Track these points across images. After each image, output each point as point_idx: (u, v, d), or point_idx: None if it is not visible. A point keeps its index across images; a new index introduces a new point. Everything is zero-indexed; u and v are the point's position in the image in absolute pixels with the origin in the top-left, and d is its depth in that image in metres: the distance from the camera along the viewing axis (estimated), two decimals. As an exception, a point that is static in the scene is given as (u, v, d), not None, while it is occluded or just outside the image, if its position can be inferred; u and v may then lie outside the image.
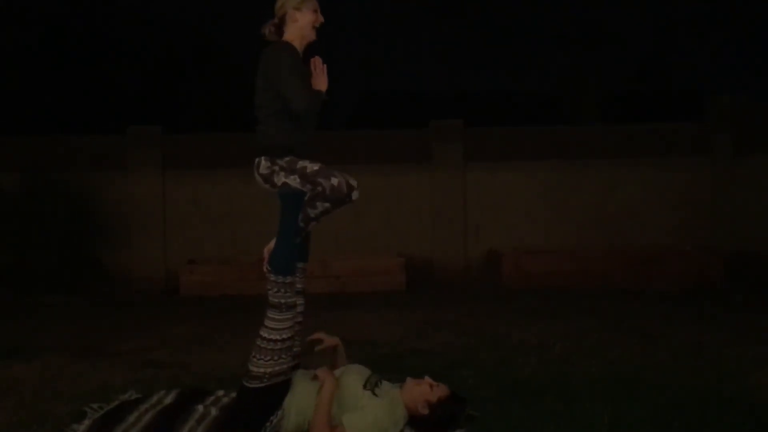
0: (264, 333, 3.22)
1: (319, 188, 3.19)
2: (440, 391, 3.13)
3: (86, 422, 3.48)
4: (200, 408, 3.52)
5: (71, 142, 9.26)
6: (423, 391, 3.13)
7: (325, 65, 3.39)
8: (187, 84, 17.30)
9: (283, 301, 3.23)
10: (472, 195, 9.29)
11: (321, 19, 3.41)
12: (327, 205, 3.24)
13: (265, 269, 3.30)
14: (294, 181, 3.24)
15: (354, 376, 3.26)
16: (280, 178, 3.26)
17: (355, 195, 3.24)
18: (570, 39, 19.13)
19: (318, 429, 3.05)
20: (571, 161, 9.31)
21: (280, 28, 3.39)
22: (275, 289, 3.24)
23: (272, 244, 3.42)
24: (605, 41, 18.45)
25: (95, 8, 16.84)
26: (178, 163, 9.20)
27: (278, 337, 3.21)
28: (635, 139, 9.43)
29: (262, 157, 3.29)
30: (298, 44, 3.35)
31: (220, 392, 3.75)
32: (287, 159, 3.25)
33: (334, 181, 3.19)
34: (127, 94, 16.36)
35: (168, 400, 3.69)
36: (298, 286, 3.39)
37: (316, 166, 3.23)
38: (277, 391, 3.20)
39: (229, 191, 9.09)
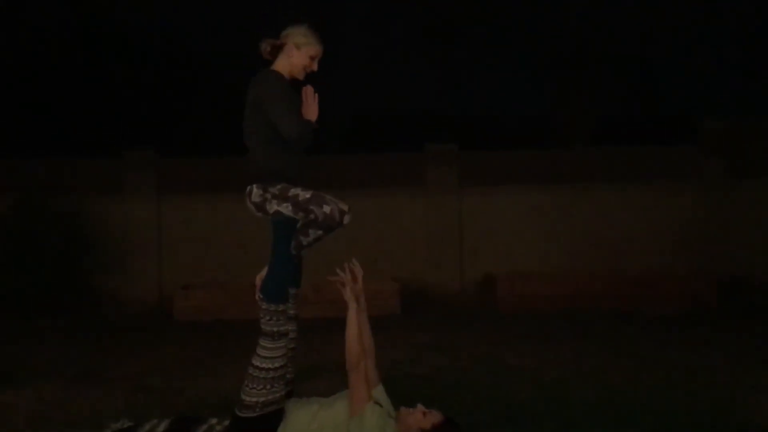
0: (256, 362, 3.20)
1: (312, 216, 3.19)
2: (433, 417, 3.12)
3: (78, 451, 3.45)
4: (193, 436, 3.48)
5: (66, 166, 9.26)
6: (416, 419, 3.11)
7: (316, 94, 3.40)
8: (183, 107, 17.36)
9: (275, 329, 3.22)
10: (467, 219, 9.31)
11: (314, 67, 3.41)
12: (319, 232, 3.24)
13: (257, 297, 3.29)
14: (286, 209, 3.24)
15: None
16: (272, 206, 3.26)
17: (347, 219, 3.24)
18: (563, 63, 19.31)
19: (352, 354, 3.16)
20: (565, 185, 9.35)
21: (276, 51, 3.41)
22: (267, 317, 3.23)
23: (264, 272, 3.41)
24: (598, 65, 18.63)
25: (90, 31, 16.95)
26: (173, 186, 9.21)
27: (271, 366, 3.18)
28: (629, 162, 9.50)
29: (254, 185, 3.29)
30: (285, 75, 3.37)
31: (213, 420, 3.71)
32: (279, 186, 3.25)
33: (326, 208, 3.19)
34: (122, 118, 16.41)
35: (160, 428, 3.64)
36: (291, 312, 3.38)
37: (308, 194, 3.22)
38: (269, 421, 3.18)
39: (225, 215, 9.09)
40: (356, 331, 3.22)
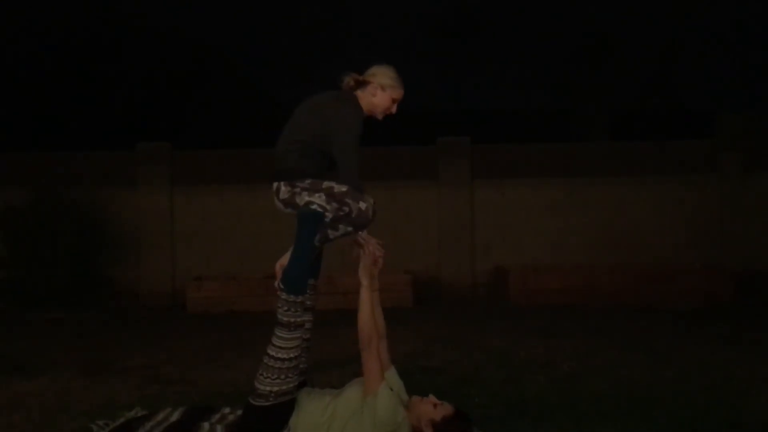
0: (271, 351, 3.21)
1: (346, 209, 3.18)
2: (444, 409, 3.11)
3: (92, 439, 3.48)
4: (206, 425, 3.51)
5: (80, 158, 9.33)
6: (426, 410, 3.11)
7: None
8: (196, 100, 17.43)
9: (292, 320, 3.23)
10: (479, 212, 9.28)
11: (394, 110, 3.41)
12: (349, 228, 3.23)
13: (277, 286, 3.29)
14: (319, 198, 3.22)
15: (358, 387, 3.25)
16: (303, 198, 3.24)
17: (371, 212, 3.27)
18: (579, 57, 19.19)
19: (365, 331, 3.18)
20: (578, 178, 9.30)
21: (357, 86, 3.38)
22: (285, 308, 3.23)
23: (284, 260, 3.40)
24: (614, 59, 18.50)
25: (104, 25, 17.03)
26: (186, 179, 9.25)
27: (285, 356, 3.19)
28: (643, 156, 9.42)
29: (281, 183, 3.27)
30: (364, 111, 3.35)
31: (226, 409, 3.74)
32: (308, 181, 3.24)
33: (362, 205, 3.17)
34: (136, 110, 16.49)
35: (174, 417, 3.68)
36: (308, 302, 3.39)
37: (344, 187, 3.20)
38: (282, 410, 3.19)
39: (237, 207, 9.12)
40: (369, 310, 3.25)
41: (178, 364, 5.34)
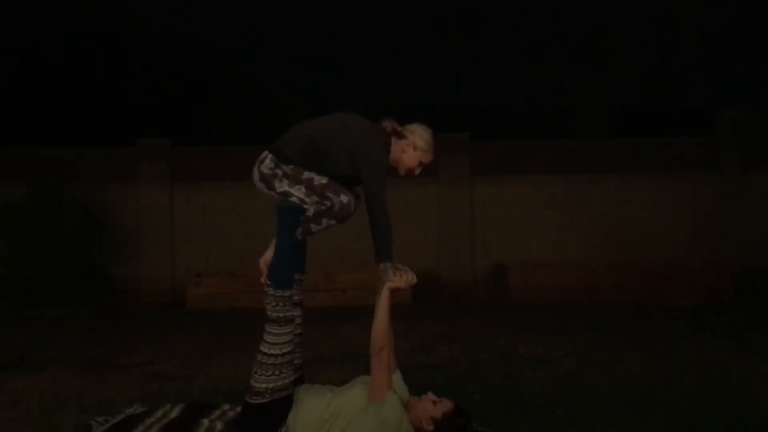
0: (264, 348, 3.21)
1: (328, 202, 3.18)
2: (444, 406, 3.12)
3: (92, 435, 3.48)
4: (205, 422, 3.51)
5: (80, 155, 9.31)
6: (426, 408, 3.12)
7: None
8: (197, 97, 17.42)
9: (282, 315, 3.22)
10: (479, 208, 9.28)
11: (416, 173, 3.38)
12: (332, 222, 3.22)
13: (263, 282, 3.30)
14: (299, 191, 3.21)
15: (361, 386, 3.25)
16: (283, 186, 3.23)
17: (355, 206, 3.26)
18: (579, 55, 19.17)
19: (378, 339, 3.15)
20: (579, 175, 9.29)
21: (392, 134, 3.35)
22: (273, 304, 3.23)
23: (267, 255, 3.40)
24: (614, 57, 18.48)
25: (106, 21, 17.02)
26: (186, 175, 9.24)
27: (278, 352, 3.19)
28: (643, 153, 9.42)
29: (270, 155, 3.26)
30: (390, 158, 3.33)
31: (226, 406, 3.74)
32: (291, 167, 3.23)
33: (344, 198, 3.17)
34: (136, 107, 16.49)
35: (173, 413, 3.68)
36: (296, 297, 3.38)
37: (324, 180, 3.20)
38: (280, 407, 3.19)
39: (237, 204, 9.11)
40: (387, 319, 3.23)
41: (177, 361, 5.35)
